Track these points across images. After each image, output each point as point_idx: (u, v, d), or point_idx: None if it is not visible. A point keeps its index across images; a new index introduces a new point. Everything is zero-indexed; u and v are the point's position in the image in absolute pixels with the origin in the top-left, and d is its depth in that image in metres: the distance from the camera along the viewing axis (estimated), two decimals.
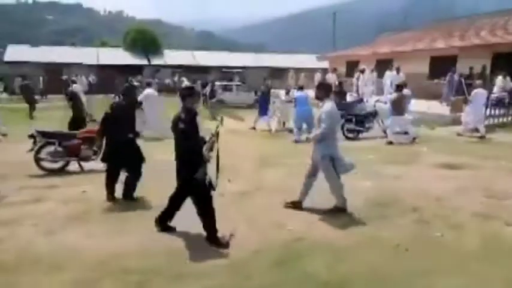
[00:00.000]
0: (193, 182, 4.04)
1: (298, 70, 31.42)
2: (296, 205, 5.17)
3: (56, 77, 26.26)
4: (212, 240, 4.12)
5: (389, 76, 18.00)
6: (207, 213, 4.14)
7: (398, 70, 17.90)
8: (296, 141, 10.48)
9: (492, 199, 5.51)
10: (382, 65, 21.39)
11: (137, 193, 5.52)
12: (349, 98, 15.85)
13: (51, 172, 7.10)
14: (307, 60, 34.97)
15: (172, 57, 35.53)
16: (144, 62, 33.11)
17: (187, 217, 4.24)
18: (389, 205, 5.33)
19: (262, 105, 12.85)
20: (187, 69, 33.56)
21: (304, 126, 10.65)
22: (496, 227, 4.56)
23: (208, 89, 17.55)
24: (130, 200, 5.47)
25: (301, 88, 11.58)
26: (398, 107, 10.10)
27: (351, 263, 3.74)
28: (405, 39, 23.72)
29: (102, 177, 5.71)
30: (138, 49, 32.25)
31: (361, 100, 13.77)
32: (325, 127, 4.72)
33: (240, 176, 6.73)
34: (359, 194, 5.72)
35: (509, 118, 12.62)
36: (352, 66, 23.86)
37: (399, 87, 10.48)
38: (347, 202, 5.00)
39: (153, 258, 3.83)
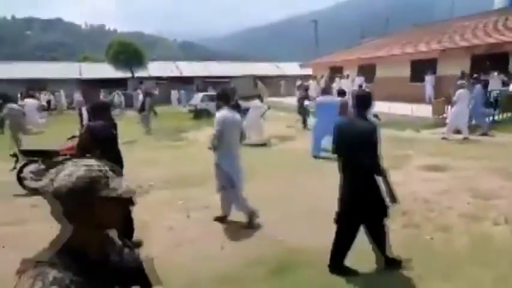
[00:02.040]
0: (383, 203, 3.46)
1: (281, 78, 31.70)
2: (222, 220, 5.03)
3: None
4: (393, 262, 3.69)
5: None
6: (384, 235, 3.67)
7: (347, 76, 19.27)
8: (315, 156, 9.02)
9: (478, 199, 5.57)
10: (365, 70, 21.72)
11: None
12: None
13: (36, 191, 6.92)
14: (291, 68, 35.26)
15: (155, 68, 35.41)
16: (128, 74, 32.88)
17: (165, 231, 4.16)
18: None
19: None
20: (171, 80, 33.47)
21: (324, 142, 8.93)
22: (484, 227, 4.60)
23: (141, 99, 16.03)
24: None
25: (326, 92, 9.54)
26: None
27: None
28: (386, 44, 24.14)
29: None
30: (121, 62, 32.02)
31: None
32: (213, 134, 4.65)
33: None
34: None
35: (502, 117, 12.74)
36: (336, 73, 24.14)
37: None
38: (229, 214, 4.99)
39: None
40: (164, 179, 7.36)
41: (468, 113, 11.10)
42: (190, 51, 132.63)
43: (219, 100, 4.97)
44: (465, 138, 10.59)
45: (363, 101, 3.54)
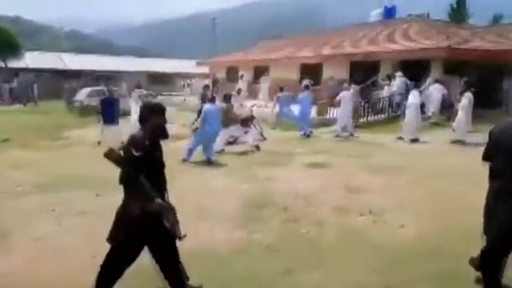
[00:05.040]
0: None
1: (178, 76, 31.09)
2: None
3: None
4: None
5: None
6: None
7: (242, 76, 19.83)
8: (185, 160, 8.68)
9: (350, 193, 6.17)
10: (259, 71, 22.50)
11: None
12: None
13: None
14: (188, 66, 34.75)
15: (35, 59, 31.75)
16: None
17: None
18: (263, 207, 5.56)
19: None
20: (55, 73, 30.37)
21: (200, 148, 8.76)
22: (351, 219, 5.11)
23: None
24: None
25: (213, 100, 9.37)
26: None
27: (227, 270, 3.75)
28: (279, 47, 25.31)
29: None
30: None
31: (240, 105, 14.21)
32: None
33: (109, 189, 6.21)
34: (236, 197, 5.89)
35: (371, 118, 14.24)
36: (232, 72, 24.57)
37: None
38: None
39: None
40: (38, 183, 6.60)
41: (350, 113, 12.27)
42: (81, 42, 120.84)
43: None
44: (351, 135, 11.80)
45: None
